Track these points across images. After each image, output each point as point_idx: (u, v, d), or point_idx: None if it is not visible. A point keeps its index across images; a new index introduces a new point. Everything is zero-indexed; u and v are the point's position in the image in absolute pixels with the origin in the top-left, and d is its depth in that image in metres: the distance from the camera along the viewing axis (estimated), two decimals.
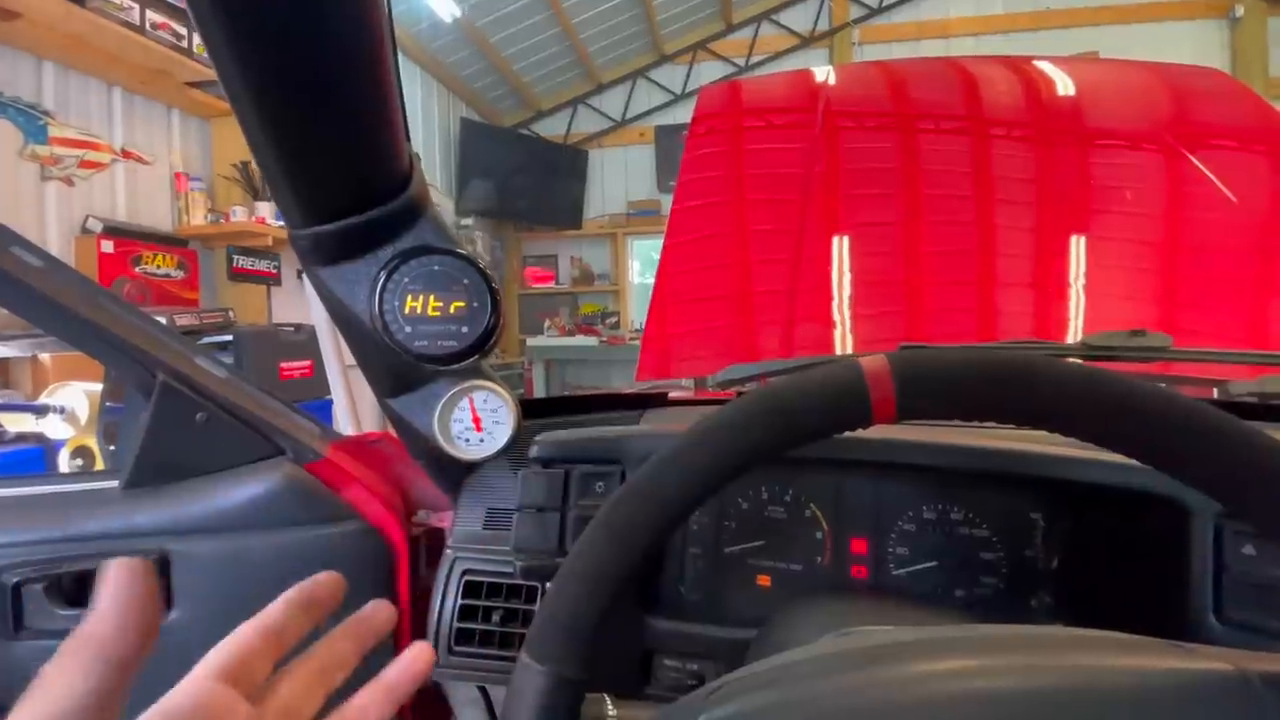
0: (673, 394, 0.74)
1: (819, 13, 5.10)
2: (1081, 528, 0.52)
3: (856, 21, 5.07)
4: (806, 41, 5.12)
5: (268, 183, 0.35)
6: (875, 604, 0.48)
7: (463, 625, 0.55)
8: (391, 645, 0.63)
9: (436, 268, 0.42)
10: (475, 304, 0.43)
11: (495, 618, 0.54)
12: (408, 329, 0.42)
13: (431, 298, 0.42)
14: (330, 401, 1.01)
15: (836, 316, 0.95)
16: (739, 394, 0.77)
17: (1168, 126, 1.18)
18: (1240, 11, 4.64)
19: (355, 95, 0.32)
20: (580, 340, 4.71)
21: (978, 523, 0.55)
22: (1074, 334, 0.88)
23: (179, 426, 0.56)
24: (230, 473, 0.58)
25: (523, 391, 4.95)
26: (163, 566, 0.56)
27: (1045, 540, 0.54)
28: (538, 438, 0.51)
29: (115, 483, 0.58)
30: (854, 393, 0.28)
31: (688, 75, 5.29)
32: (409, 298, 0.42)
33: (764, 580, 0.56)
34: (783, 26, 5.16)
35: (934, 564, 0.54)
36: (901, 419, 0.29)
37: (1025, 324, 0.86)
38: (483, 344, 0.43)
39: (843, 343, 0.94)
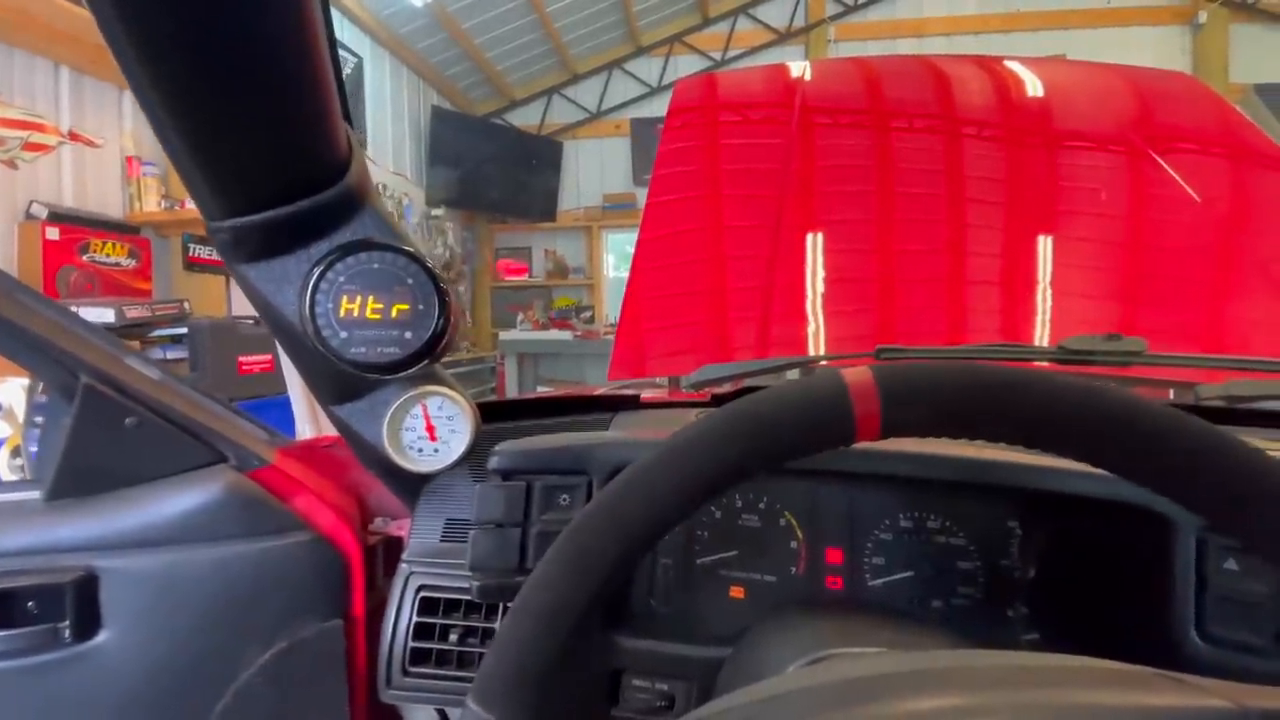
0: (645, 395, 0.71)
1: (795, 8, 5.10)
2: (1059, 537, 0.51)
3: (833, 18, 5.08)
4: (783, 37, 5.12)
5: (175, 168, 0.30)
6: (851, 619, 0.46)
7: (418, 644, 0.51)
8: (344, 662, 0.60)
9: (376, 266, 0.37)
10: (420, 306, 0.38)
11: (453, 636, 0.51)
12: (343, 334, 0.38)
13: (370, 299, 0.38)
14: None
15: (811, 314, 0.94)
16: (713, 396, 0.75)
17: (1136, 129, 1.19)
18: (1203, 18, 4.77)
19: (277, 64, 0.28)
20: (554, 334, 4.65)
21: (955, 531, 0.53)
22: (1042, 335, 0.88)
23: (106, 432, 0.51)
24: (165, 482, 0.54)
25: (494, 386, 4.87)
26: (89, 585, 0.51)
27: (1022, 550, 0.52)
28: (497, 447, 0.48)
29: (37, 493, 0.53)
30: (836, 409, 0.26)
31: (664, 68, 5.24)
32: (344, 299, 0.37)
33: (737, 591, 0.54)
34: (759, 21, 5.15)
35: (910, 574, 0.53)
36: (886, 436, 0.27)
37: (999, 323, 0.85)
38: (428, 351, 0.39)
39: (816, 341, 0.92)
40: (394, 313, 0.38)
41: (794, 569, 0.53)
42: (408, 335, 0.39)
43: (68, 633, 0.51)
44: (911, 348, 0.64)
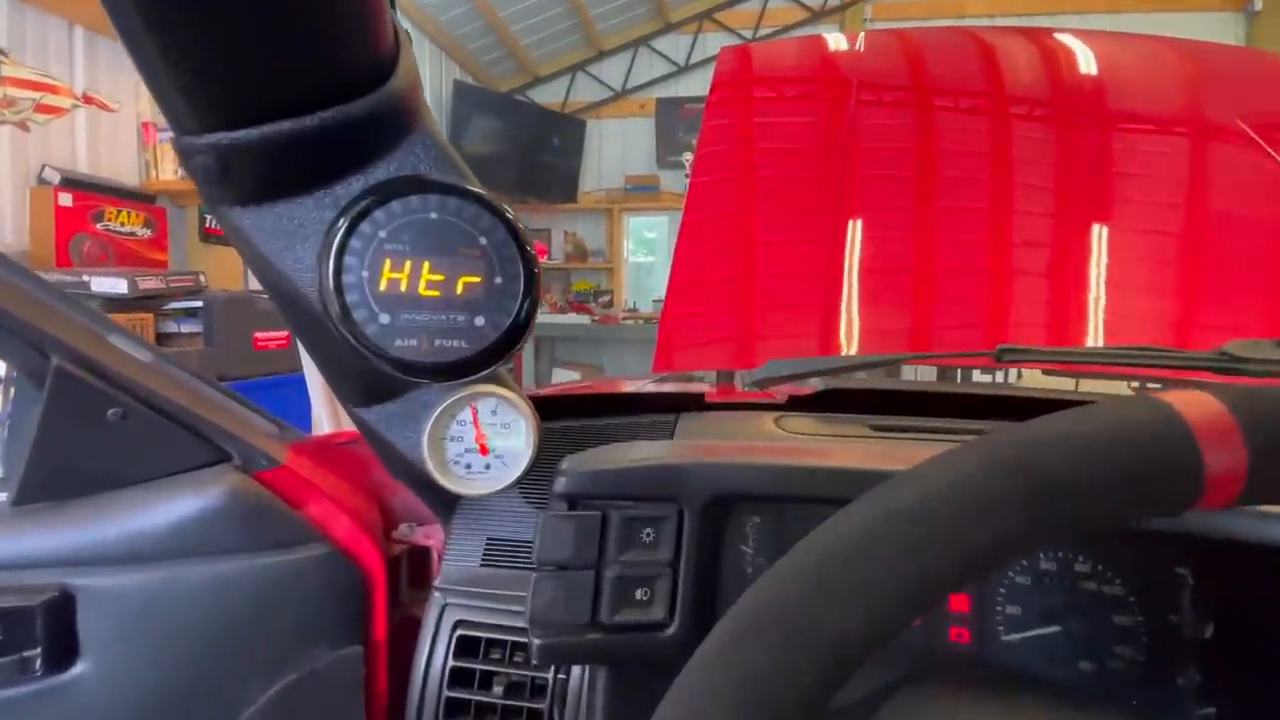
0: (710, 394, 0.61)
1: None
2: (1243, 590, 0.41)
3: None
4: (816, 15, 4.94)
5: (131, 52, 0.19)
6: (1014, 701, 0.36)
7: (455, 694, 0.43)
8: (363, 695, 0.52)
9: (434, 215, 0.26)
10: (498, 280, 0.27)
11: (497, 688, 0.42)
12: (383, 317, 0.27)
13: (426, 266, 0.27)
14: None
15: (891, 306, 0.83)
16: (791, 398, 0.65)
17: (1239, 112, 1.07)
18: (1258, 5, 4.57)
19: None
20: (572, 318, 4.59)
21: (1109, 578, 0.43)
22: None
23: (83, 426, 0.42)
24: (155, 485, 0.45)
25: (510, 367, 4.80)
26: (64, 606, 0.43)
27: (1195, 603, 0.43)
28: (563, 464, 0.37)
29: (3, 496, 0.45)
30: (1174, 459, 0.16)
31: (692, 46, 5.08)
32: (387, 264, 0.26)
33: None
34: None
35: (1056, 629, 0.43)
36: (1246, 503, 0.17)
37: (1135, 325, 0.74)
38: (508, 346, 0.29)
39: (894, 336, 0.82)
40: (459, 287, 0.27)
41: None
42: (479, 322, 0.27)
43: (38, 663, 0.43)
44: (1037, 348, 0.53)
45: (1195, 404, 0.17)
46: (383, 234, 0.26)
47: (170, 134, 1.67)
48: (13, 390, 0.48)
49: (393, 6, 0.23)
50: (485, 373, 0.30)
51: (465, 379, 0.30)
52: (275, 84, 0.22)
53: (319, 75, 0.23)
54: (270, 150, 0.23)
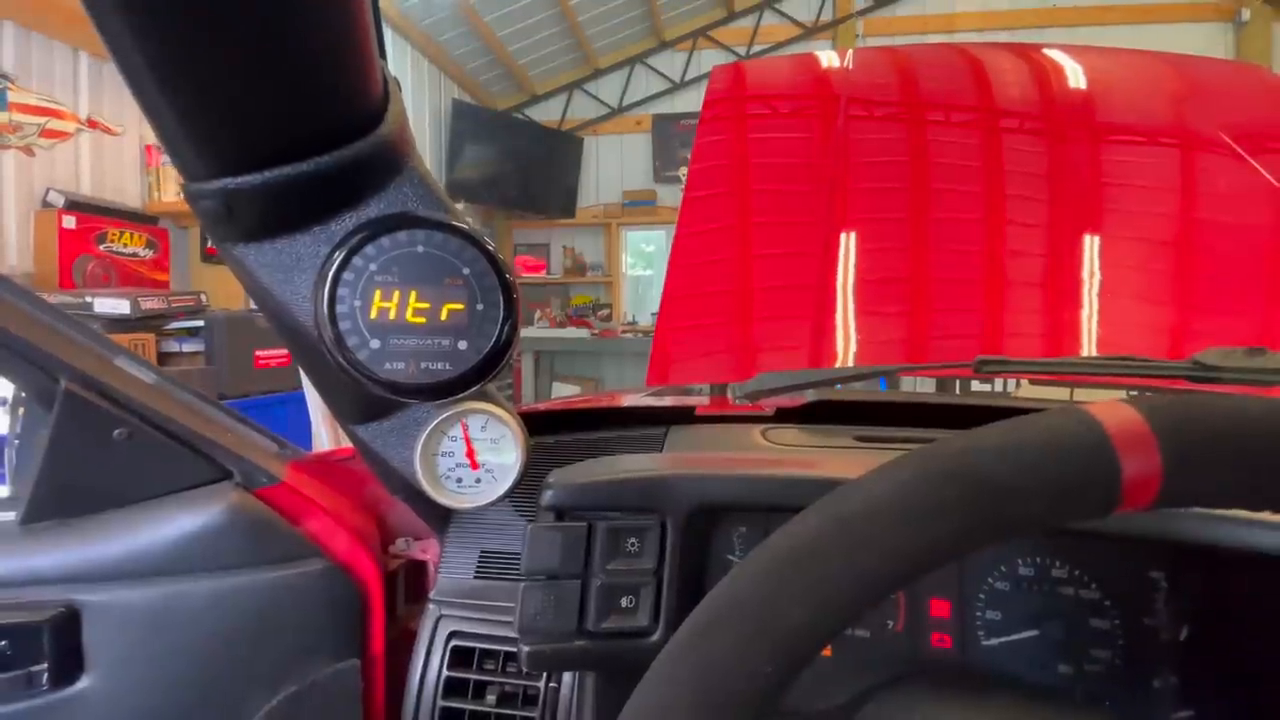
0: (700, 407, 0.63)
1: (823, 3, 4.98)
2: (1218, 593, 0.43)
3: (861, 13, 4.96)
4: (809, 31, 5.01)
5: (142, 105, 0.22)
6: (983, 697, 0.37)
7: (449, 703, 0.44)
8: (360, 706, 0.53)
9: (421, 249, 0.29)
10: (479, 306, 0.30)
11: (490, 697, 0.43)
12: (374, 343, 0.29)
13: (413, 295, 0.29)
14: None
15: (877, 318, 0.85)
16: (779, 411, 0.66)
17: (1223, 125, 1.09)
18: (1246, 15, 4.63)
19: None
20: (571, 332, 4.61)
21: (1085, 582, 0.45)
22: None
23: (90, 446, 0.44)
24: (158, 503, 0.47)
25: (510, 382, 4.82)
26: (70, 622, 0.44)
27: (1170, 606, 0.44)
28: (550, 478, 0.39)
29: (12, 515, 0.46)
30: (1093, 467, 0.18)
31: (687, 63, 5.15)
32: (377, 294, 0.29)
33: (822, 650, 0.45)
34: (785, 15, 5.04)
35: (1035, 633, 0.44)
36: (1162, 507, 0.18)
37: (1113, 334, 0.76)
38: (489, 368, 0.31)
39: (885, 347, 0.84)
40: (444, 314, 0.29)
41: (891, 623, 0.45)
42: (461, 346, 0.30)
43: (45, 678, 0.44)
44: (1015, 359, 0.55)
45: (1114, 414, 0.18)
46: (373, 267, 0.29)
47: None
48: (22, 411, 0.50)
49: (382, 57, 0.25)
50: (473, 390, 0.31)
51: (454, 397, 0.31)
52: (277, 134, 0.25)
53: (317, 124, 0.25)
54: (272, 193, 0.26)
